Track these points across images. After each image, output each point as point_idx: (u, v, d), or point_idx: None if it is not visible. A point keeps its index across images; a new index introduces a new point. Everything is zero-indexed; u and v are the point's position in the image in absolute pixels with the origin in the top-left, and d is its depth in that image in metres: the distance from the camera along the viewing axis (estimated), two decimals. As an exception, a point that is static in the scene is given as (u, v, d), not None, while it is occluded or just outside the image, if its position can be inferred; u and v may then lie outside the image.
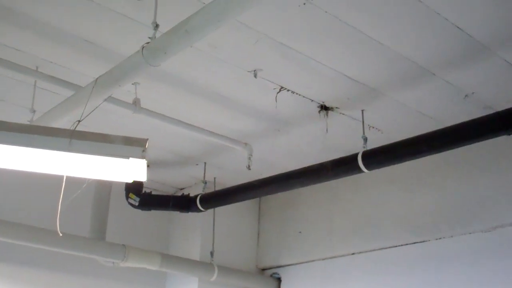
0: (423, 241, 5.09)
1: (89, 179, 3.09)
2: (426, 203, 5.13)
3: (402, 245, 5.23)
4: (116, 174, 2.96)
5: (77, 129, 2.80)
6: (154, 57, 2.97)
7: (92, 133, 2.75)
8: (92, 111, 3.25)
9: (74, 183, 3.03)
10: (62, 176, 2.96)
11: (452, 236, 4.90)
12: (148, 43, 2.99)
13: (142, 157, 2.70)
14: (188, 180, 6.31)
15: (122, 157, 2.71)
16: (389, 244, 5.32)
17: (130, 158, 2.70)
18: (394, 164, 4.36)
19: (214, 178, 6.09)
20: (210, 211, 5.94)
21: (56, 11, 3.58)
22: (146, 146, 2.71)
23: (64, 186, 2.94)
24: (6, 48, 3.91)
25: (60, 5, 3.51)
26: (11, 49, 3.92)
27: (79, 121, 2.99)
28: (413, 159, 4.25)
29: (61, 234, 3.05)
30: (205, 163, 5.84)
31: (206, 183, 5.85)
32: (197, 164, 5.87)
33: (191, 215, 5.96)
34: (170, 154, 5.67)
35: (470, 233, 4.80)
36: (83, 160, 2.79)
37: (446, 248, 4.90)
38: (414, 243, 5.15)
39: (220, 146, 5.30)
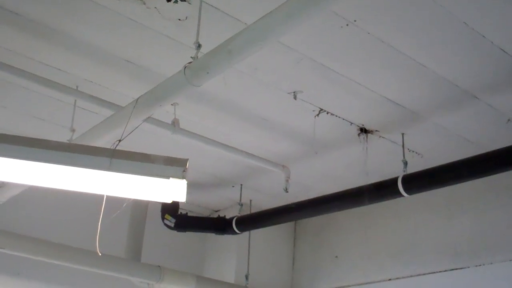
0: (462, 268, 4.98)
1: (128, 199, 3.07)
2: (466, 229, 5.03)
3: (440, 272, 5.13)
4: (156, 194, 2.93)
5: (116, 148, 2.78)
6: (196, 77, 2.95)
7: (133, 153, 2.74)
8: (133, 130, 3.24)
9: (109, 202, 3.01)
10: (100, 196, 2.94)
11: (492, 263, 4.79)
12: (190, 63, 2.98)
13: (183, 177, 2.67)
14: (224, 202, 6.28)
15: (163, 177, 2.68)
16: (427, 270, 5.22)
17: (171, 178, 2.68)
18: (434, 188, 4.30)
19: (250, 200, 6.06)
20: (245, 233, 5.89)
21: (97, 31, 3.59)
22: (187, 166, 2.68)
23: (100, 205, 2.91)
24: (47, 67, 3.93)
25: (101, 25, 3.53)
26: (52, 68, 3.94)
27: (119, 140, 2.98)
28: (454, 184, 4.19)
29: (100, 254, 3.03)
30: (241, 185, 5.81)
31: (242, 205, 5.83)
32: (233, 186, 5.85)
33: (226, 237, 5.93)
34: (206, 176, 5.65)
35: (510, 260, 4.68)
36: (123, 180, 2.77)
37: (486, 275, 4.79)
38: (453, 269, 5.04)
39: (257, 168, 5.27)
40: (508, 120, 4.25)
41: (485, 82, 3.85)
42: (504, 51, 3.51)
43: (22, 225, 5.15)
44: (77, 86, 4.09)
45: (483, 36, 3.39)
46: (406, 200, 4.64)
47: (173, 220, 5.62)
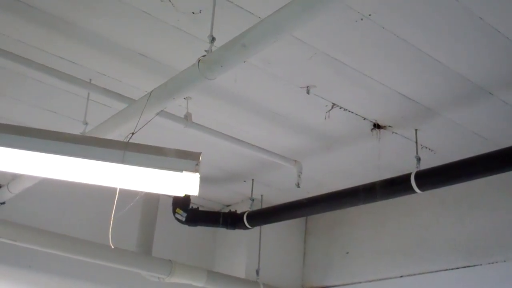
0: (475, 265, 4.96)
1: (141, 192, 3.06)
2: (478, 226, 5.01)
3: (452, 269, 5.10)
4: (168, 188, 2.93)
5: (130, 142, 2.78)
6: (210, 70, 2.94)
7: (146, 146, 2.73)
8: (146, 123, 3.24)
9: (121, 196, 3.00)
10: (112, 188, 2.93)
11: (505, 261, 4.77)
12: (204, 56, 2.97)
13: (196, 171, 2.67)
14: (235, 197, 6.28)
15: (176, 170, 2.68)
16: (439, 267, 5.20)
17: (184, 172, 2.67)
18: (448, 185, 4.28)
19: (261, 195, 6.06)
20: (256, 228, 5.88)
21: (111, 24, 3.59)
22: (200, 160, 2.67)
23: (111, 198, 2.90)
24: (60, 60, 3.93)
25: (115, 18, 3.52)
26: (65, 61, 3.94)
27: (133, 133, 2.98)
28: (467, 180, 4.16)
29: (113, 247, 3.03)
30: (252, 180, 5.81)
31: (253, 200, 5.82)
32: (244, 181, 5.84)
33: (237, 232, 5.92)
34: (218, 170, 5.65)
35: (524, 258, 4.68)
36: (136, 173, 2.77)
37: (499, 273, 4.77)
38: (465, 267, 5.02)
39: (269, 163, 5.26)
40: (523, 116, 4.23)
41: (500, 78, 3.83)
42: (520, 47, 3.49)
43: (34, 217, 5.16)
44: (90, 79, 4.10)
45: (498, 31, 3.36)
46: (419, 197, 4.62)
47: (184, 215, 5.62)
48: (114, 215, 2.88)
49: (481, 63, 3.69)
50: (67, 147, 2.68)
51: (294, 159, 5.00)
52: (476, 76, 3.82)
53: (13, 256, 5.18)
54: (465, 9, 3.20)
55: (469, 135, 4.51)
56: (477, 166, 4.01)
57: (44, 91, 4.31)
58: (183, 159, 2.68)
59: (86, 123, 4.16)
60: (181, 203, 5.66)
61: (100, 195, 3.84)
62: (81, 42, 3.76)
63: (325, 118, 4.43)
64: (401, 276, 5.50)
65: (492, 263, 4.83)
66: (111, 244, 2.94)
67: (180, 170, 2.67)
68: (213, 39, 3.05)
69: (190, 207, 5.73)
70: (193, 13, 3.42)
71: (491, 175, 4.03)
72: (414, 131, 4.53)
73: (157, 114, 3.49)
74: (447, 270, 5.14)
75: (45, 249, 4.78)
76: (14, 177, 4.92)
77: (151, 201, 5.64)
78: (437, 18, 3.32)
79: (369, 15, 3.31)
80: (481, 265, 4.91)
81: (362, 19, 3.34)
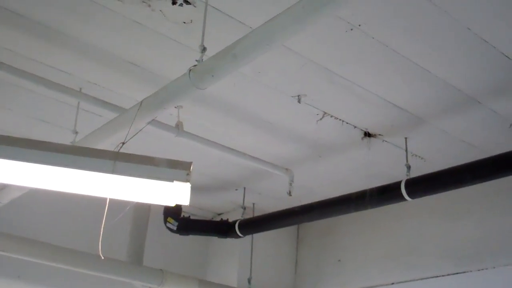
0: (465, 272, 4.97)
1: (132, 202, 3.05)
2: (468, 233, 5.03)
3: (443, 276, 5.12)
4: (159, 197, 2.92)
5: (120, 151, 2.77)
6: (201, 80, 2.94)
7: (137, 156, 2.72)
8: (137, 133, 3.23)
9: (111, 205, 2.98)
10: (102, 198, 2.92)
11: (494, 267, 4.79)
12: (195, 66, 2.97)
13: (187, 181, 2.66)
14: (227, 205, 6.27)
15: (166, 180, 2.67)
16: (430, 274, 5.21)
17: (174, 182, 2.67)
18: (437, 192, 4.29)
19: (253, 203, 6.05)
20: (248, 237, 5.88)
21: (101, 33, 3.59)
22: (191, 170, 2.67)
23: (102, 208, 2.89)
24: (50, 69, 3.92)
25: (106, 27, 3.52)
26: (55, 70, 3.94)
27: (123, 142, 2.97)
28: (457, 188, 4.18)
29: (103, 257, 3.02)
30: (244, 188, 5.80)
31: (245, 208, 5.81)
32: (236, 189, 5.84)
33: (229, 240, 5.92)
34: (209, 179, 5.64)
35: (513, 265, 4.69)
36: (127, 183, 2.76)
37: (489, 279, 4.79)
38: (456, 273, 5.03)
39: (260, 172, 5.26)
40: (511, 125, 4.25)
41: (488, 87, 3.86)
42: (507, 57, 3.52)
43: (23, 227, 5.14)
44: (80, 88, 4.09)
45: (486, 41, 3.39)
46: (409, 204, 4.63)
47: (176, 223, 5.61)
48: (104, 225, 2.88)
49: (470, 72, 3.71)
50: (56, 157, 2.66)
51: (286, 167, 5.00)
52: (464, 85, 3.85)
53: (2, 267, 5.15)
54: (454, 20, 3.23)
55: (458, 143, 4.53)
56: (466, 174, 4.03)
57: (33, 100, 4.30)
58: (174, 169, 2.67)
59: (76, 132, 4.14)
60: (172, 212, 5.64)
61: (90, 205, 3.83)
62: (71, 51, 3.76)
63: (318, 126, 4.46)
64: (392, 283, 5.51)
65: (482, 269, 4.85)
66: (101, 254, 2.93)
67: (171, 180, 2.66)
68: (204, 49, 3.04)
69: (182, 216, 5.72)
70: (184, 22, 3.42)
71: (480, 182, 4.05)
72: (404, 139, 4.55)
73: (148, 123, 3.48)
74: (437, 277, 5.16)
75: (34, 260, 4.75)
76: (3, 187, 4.90)
77: (142, 210, 5.63)
78: (426, 29, 3.34)
79: (359, 25, 3.33)
80: (471, 271, 4.93)
81: (352, 29, 3.36)
